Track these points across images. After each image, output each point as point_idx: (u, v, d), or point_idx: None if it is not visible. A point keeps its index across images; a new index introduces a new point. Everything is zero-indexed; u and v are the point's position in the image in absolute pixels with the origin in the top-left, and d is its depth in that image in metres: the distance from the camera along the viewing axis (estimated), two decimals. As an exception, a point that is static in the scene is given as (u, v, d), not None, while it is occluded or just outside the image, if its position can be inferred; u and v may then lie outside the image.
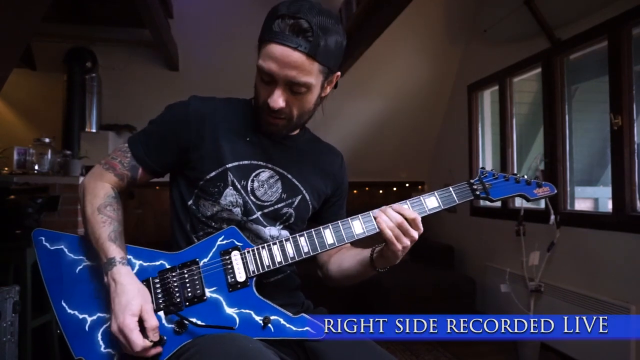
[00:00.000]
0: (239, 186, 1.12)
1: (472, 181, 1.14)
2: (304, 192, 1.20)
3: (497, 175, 1.15)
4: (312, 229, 1.09)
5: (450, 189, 1.12)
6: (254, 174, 1.14)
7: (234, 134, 1.14)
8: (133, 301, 0.97)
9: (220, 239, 1.09)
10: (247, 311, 1.03)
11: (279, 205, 1.17)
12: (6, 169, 3.35)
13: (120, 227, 1.09)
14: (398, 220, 1.05)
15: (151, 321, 0.98)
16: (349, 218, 1.10)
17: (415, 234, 1.06)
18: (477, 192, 1.13)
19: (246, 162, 1.14)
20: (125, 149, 1.15)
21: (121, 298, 0.98)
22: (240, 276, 1.05)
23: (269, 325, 1.02)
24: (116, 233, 1.07)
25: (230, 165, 1.12)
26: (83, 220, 1.12)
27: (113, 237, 1.05)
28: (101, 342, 1.03)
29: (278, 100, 1.05)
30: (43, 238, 1.11)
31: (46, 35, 3.64)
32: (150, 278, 1.06)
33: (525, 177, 1.15)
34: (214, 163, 1.12)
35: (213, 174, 1.12)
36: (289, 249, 1.08)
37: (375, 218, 1.07)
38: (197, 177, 1.13)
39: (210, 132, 1.12)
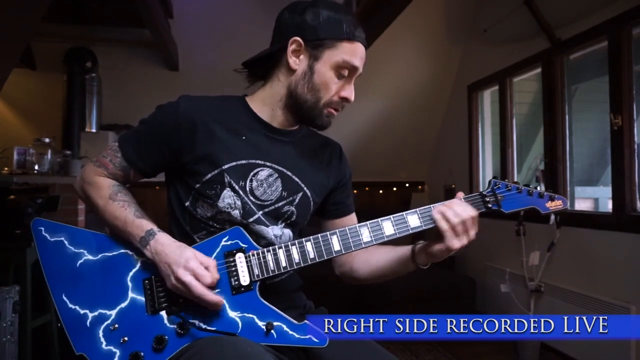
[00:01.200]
0: (237, 187, 1.09)
1: (484, 192, 1.12)
2: (305, 188, 1.17)
3: (510, 187, 1.12)
4: (319, 235, 1.07)
5: (462, 200, 1.11)
6: (252, 174, 1.11)
7: (228, 133, 1.11)
8: (185, 251, 1.01)
9: (225, 239, 1.06)
10: (250, 316, 1.02)
11: (280, 204, 1.14)
12: (6, 169, 3.35)
13: (139, 208, 1.11)
14: (464, 216, 1.04)
15: (208, 261, 1.01)
16: (357, 225, 1.08)
17: (473, 233, 1.06)
18: (489, 205, 1.11)
19: (243, 161, 1.10)
20: (115, 148, 1.13)
21: (174, 253, 1.00)
22: (245, 280, 1.03)
23: (272, 331, 1.01)
24: (140, 212, 1.09)
25: (226, 166, 1.08)
26: (96, 213, 1.12)
27: (140, 215, 1.08)
28: (102, 339, 1.00)
29: (353, 92, 1.14)
30: (42, 228, 1.07)
31: (46, 35, 3.63)
32: (152, 277, 1.04)
33: (538, 189, 1.13)
34: (210, 165, 1.08)
35: (209, 176, 1.08)
36: (295, 254, 1.05)
37: (442, 213, 1.05)
38: (194, 180, 1.10)
39: (202, 133, 1.08)
